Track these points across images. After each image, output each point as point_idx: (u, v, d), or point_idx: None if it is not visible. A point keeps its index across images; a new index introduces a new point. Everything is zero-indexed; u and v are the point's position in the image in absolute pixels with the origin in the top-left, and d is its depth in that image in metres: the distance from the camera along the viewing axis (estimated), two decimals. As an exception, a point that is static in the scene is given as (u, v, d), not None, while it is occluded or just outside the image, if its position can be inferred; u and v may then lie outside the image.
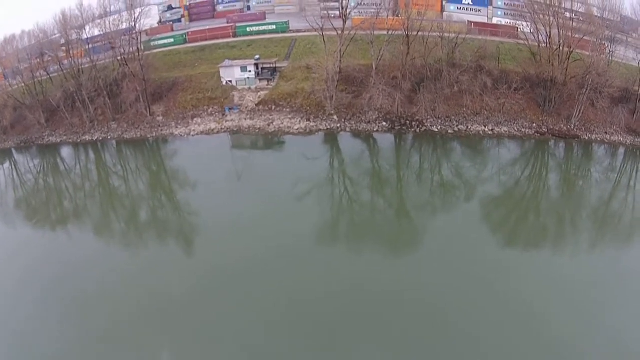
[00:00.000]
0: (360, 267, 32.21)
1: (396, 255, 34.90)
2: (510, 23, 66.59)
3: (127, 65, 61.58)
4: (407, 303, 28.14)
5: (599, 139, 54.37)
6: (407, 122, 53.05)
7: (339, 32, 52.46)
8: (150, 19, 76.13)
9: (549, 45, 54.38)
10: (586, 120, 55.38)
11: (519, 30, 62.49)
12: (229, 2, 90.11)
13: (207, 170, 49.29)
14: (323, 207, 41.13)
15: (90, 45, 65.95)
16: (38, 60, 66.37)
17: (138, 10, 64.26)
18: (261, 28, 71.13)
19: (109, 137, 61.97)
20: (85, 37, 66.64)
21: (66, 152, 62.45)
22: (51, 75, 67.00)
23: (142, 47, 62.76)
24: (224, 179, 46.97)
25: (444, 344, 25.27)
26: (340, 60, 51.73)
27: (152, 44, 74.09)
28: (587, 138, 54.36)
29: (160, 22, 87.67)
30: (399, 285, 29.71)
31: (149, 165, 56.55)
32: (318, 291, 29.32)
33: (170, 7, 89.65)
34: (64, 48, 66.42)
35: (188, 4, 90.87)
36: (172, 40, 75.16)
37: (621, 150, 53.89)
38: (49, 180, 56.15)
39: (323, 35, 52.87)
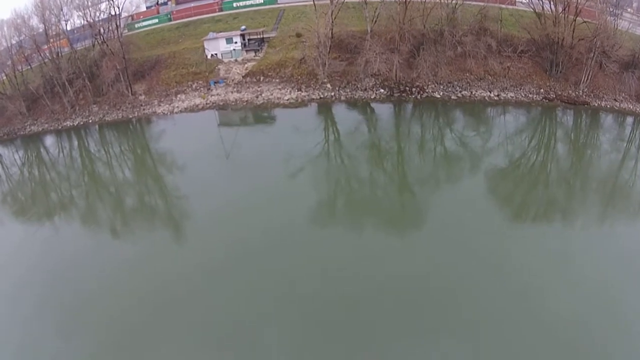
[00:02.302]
0: (361, 247, 27.60)
1: (398, 233, 29.74)
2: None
3: (105, 43, 54.53)
4: (411, 284, 24.09)
5: (608, 105, 48.45)
6: (407, 88, 46.48)
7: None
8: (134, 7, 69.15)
9: (554, 8, 48.04)
10: (594, 86, 49.36)
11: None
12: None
13: (194, 151, 42.83)
14: (319, 185, 35.48)
15: (69, 28, 59.05)
16: (19, 55, 59.44)
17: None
18: (248, 2, 64.05)
19: (90, 121, 54.96)
20: (64, 20, 59.51)
21: (49, 141, 55.30)
22: (31, 65, 60.14)
23: (121, 24, 55.61)
24: (212, 159, 40.76)
25: (449, 324, 21.76)
26: (332, 23, 44.87)
27: (136, 25, 67.34)
28: (596, 105, 48.31)
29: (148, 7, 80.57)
30: (402, 266, 25.42)
31: (133, 149, 49.56)
32: (316, 275, 25.22)
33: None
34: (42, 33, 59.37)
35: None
36: (156, 20, 68.22)
37: (629, 119, 47.79)
38: (33, 172, 49.23)
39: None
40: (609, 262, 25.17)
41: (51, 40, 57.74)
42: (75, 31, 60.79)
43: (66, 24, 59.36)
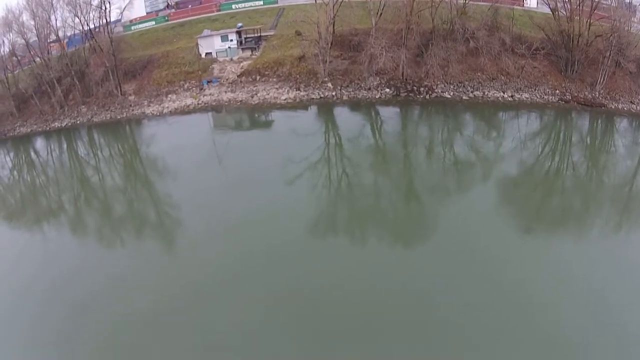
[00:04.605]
0: (363, 261, 23.35)
1: (403, 246, 24.99)
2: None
3: (94, 38, 48.97)
4: (416, 300, 20.35)
5: (625, 108, 42.97)
6: (415, 87, 40.72)
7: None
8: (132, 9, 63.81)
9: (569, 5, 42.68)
10: (610, 87, 43.83)
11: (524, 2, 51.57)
12: (216, -11, 77.44)
13: (185, 156, 36.88)
14: (318, 194, 30.08)
15: (59, 24, 53.47)
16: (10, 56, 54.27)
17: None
18: (247, 4, 58.56)
19: (78, 122, 49.25)
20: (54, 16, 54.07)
21: (39, 142, 49.59)
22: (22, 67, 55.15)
23: (111, 19, 50.21)
24: (205, 165, 34.98)
25: (455, 343, 18.22)
26: (334, 15, 39.12)
27: (132, 27, 61.89)
28: (612, 107, 42.81)
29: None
30: (408, 281, 21.55)
31: (123, 154, 43.68)
32: (317, 289, 21.24)
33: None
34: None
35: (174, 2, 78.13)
36: (153, 22, 62.70)
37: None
38: (23, 176, 43.38)
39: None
40: (627, 279, 21.19)
41: (41, 37, 52.41)
42: (66, 30, 55.41)
43: (56, 21, 54.13)
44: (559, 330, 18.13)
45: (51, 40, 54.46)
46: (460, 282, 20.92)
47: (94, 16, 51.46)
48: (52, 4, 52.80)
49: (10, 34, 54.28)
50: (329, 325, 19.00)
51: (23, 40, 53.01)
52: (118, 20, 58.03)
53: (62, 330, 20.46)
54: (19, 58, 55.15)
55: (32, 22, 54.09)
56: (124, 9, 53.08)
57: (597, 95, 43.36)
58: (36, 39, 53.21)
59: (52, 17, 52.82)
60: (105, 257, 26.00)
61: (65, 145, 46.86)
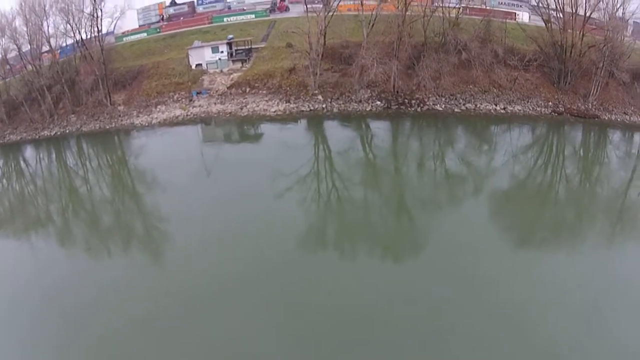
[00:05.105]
0: (355, 274, 22.41)
1: (394, 261, 24.00)
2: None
3: (84, 46, 48.07)
4: (408, 317, 19.27)
5: (618, 119, 42.44)
6: (406, 100, 39.81)
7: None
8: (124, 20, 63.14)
9: (562, 15, 42.12)
10: (604, 99, 43.32)
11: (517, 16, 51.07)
12: (209, 3, 76.86)
13: (174, 168, 35.33)
14: (309, 207, 29.08)
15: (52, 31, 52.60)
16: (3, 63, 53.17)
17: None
18: (239, 18, 57.85)
19: (67, 132, 47.88)
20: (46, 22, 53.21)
21: (29, 151, 48.13)
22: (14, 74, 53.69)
23: (102, 27, 49.29)
24: (194, 177, 33.60)
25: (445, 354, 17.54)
26: (326, 27, 38.29)
27: (124, 39, 60.96)
28: (606, 118, 42.14)
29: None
30: (399, 297, 20.55)
31: (111, 165, 42.17)
32: (307, 302, 20.34)
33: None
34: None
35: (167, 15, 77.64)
36: (145, 34, 61.79)
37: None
38: (12, 184, 41.39)
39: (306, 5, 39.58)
40: (621, 293, 20.33)
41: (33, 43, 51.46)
42: (57, 37, 54.46)
43: (48, 27, 53.22)
44: (551, 343, 17.43)
45: (44, 50, 53.79)
46: (452, 296, 19.99)
47: (85, 24, 50.82)
48: (44, 10, 52.04)
49: (3, 39, 53.67)
50: (321, 337, 18.33)
51: (15, 46, 52.12)
52: (110, 33, 57.34)
53: (50, 340, 19.39)
54: (11, 66, 54.16)
55: (25, 28, 53.62)
56: (117, 19, 52.44)
57: (590, 107, 42.69)
58: (28, 45, 52.48)
59: (44, 24, 52.26)
60: (92, 269, 24.61)
61: (54, 155, 45.50)
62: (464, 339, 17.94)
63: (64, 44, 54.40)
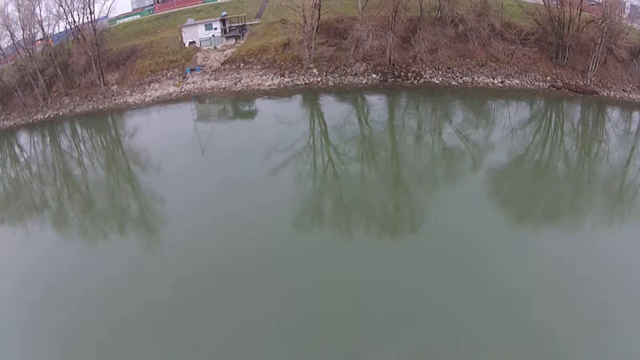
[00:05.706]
0: (353, 255, 21.72)
1: (391, 238, 23.50)
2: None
3: (77, 28, 46.95)
4: (406, 296, 18.79)
5: (617, 96, 41.47)
6: (402, 73, 38.92)
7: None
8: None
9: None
10: (602, 75, 42.31)
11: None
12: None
13: (169, 146, 34.63)
14: (304, 184, 28.21)
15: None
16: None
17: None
18: (233, -5, 56.66)
19: (61, 114, 46.84)
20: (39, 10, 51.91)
21: (22, 136, 46.79)
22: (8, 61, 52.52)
23: (95, 8, 47.97)
24: (189, 155, 32.67)
25: (445, 340, 16.95)
26: (320, 2, 37.31)
27: (117, 21, 59.77)
28: (605, 95, 41.22)
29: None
30: (396, 276, 19.89)
31: (105, 145, 41.17)
32: (303, 286, 19.77)
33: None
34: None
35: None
36: (138, 16, 60.58)
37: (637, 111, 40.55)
38: (6, 170, 40.02)
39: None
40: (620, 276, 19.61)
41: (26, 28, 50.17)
42: (50, 20, 53.24)
43: (41, 11, 51.91)
44: (548, 327, 16.85)
45: (38, 38, 52.57)
46: (450, 277, 19.40)
47: (77, 6, 49.65)
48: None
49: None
50: (321, 324, 17.63)
51: (8, 32, 50.91)
52: (104, 17, 56.18)
53: (48, 331, 18.50)
54: (4, 53, 52.98)
55: (17, 14, 52.35)
56: (110, 6, 51.22)
57: (588, 82, 41.85)
58: (21, 31, 51.27)
59: (37, 9, 51.05)
60: (89, 253, 23.70)
61: (48, 138, 44.29)
62: (462, 320, 17.38)
63: (57, 31, 53.67)
